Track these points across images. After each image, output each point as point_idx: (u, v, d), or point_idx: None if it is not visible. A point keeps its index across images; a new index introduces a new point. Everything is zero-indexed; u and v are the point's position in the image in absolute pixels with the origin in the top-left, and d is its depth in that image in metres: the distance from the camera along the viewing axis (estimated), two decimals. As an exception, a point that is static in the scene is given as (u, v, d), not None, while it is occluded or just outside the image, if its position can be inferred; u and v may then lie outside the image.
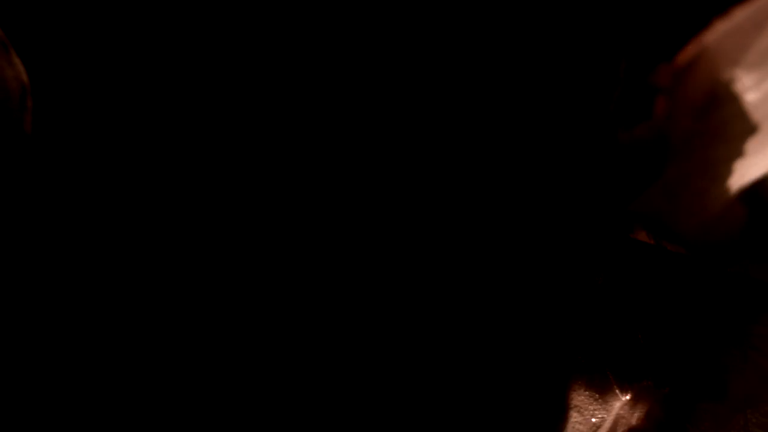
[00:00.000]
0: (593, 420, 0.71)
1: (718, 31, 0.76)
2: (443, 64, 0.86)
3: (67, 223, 0.86)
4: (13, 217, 0.82)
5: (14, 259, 0.82)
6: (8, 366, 0.81)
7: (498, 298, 0.83)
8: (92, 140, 0.86)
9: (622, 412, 0.71)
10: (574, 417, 0.72)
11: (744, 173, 0.77)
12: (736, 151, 0.77)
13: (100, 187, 0.87)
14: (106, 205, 0.87)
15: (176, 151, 0.87)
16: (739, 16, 0.76)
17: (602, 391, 0.72)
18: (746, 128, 0.77)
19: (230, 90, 0.86)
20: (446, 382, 0.80)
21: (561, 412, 0.73)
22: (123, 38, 0.85)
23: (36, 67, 0.81)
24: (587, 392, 0.72)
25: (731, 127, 0.77)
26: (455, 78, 0.86)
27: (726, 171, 0.77)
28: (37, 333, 0.82)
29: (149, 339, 0.84)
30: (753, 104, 0.76)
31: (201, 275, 0.84)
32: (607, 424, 0.71)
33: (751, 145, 0.77)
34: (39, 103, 0.82)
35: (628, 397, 0.71)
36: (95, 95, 0.86)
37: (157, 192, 0.87)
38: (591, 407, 0.72)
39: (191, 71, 0.86)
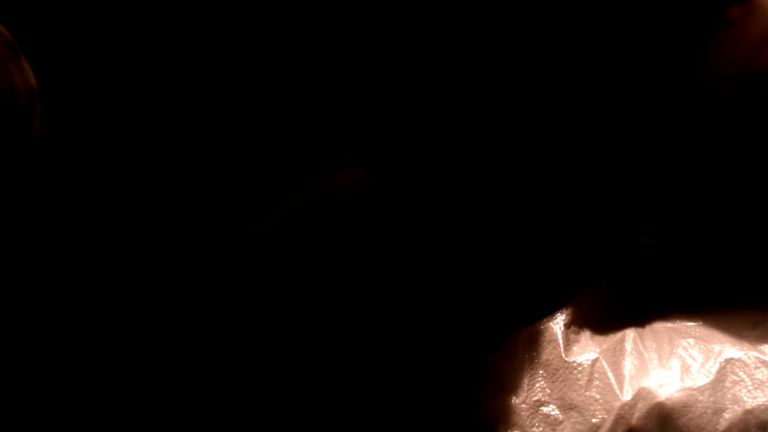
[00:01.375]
0: (593, 420, 0.71)
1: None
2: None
3: (74, 227, 0.87)
4: (20, 220, 0.82)
5: (21, 261, 0.83)
6: (9, 366, 0.81)
7: (496, 296, 0.83)
8: (100, 145, 0.87)
9: (622, 412, 0.70)
10: (574, 417, 0.72)
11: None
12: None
13: (107, 191, 0.88)
14: (114, 210, 0.88)
15: (184, 155, 0.87)
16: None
17: (602, 391, 0.72)
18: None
19: (238, 91, 0.87)
20: (443, 382, 0.80)
21: (561, 413, 0.73)
22: (131, 43, 0.85)
23: (45, 71, 0.82)
24: (587, 392, 0.72)
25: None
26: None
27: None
28: (40, 334, 0.83)
29: (151, 341, 0.84)
30: None
31: (204, 278, 0.85)
32: (607, 425, 0.70)
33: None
34: (48, 108, 0.82)
35: (628, 398, 0.71)
36: (104, 100, 0.87)
37: (163, 195, 0.88)
38: (591, 407, 0.72)
39: (201, 76, 0.87)
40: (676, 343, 0.73)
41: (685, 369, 0.71)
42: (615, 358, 0.73)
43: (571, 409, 0.72)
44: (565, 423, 0.72)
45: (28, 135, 0.81)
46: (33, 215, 0.83)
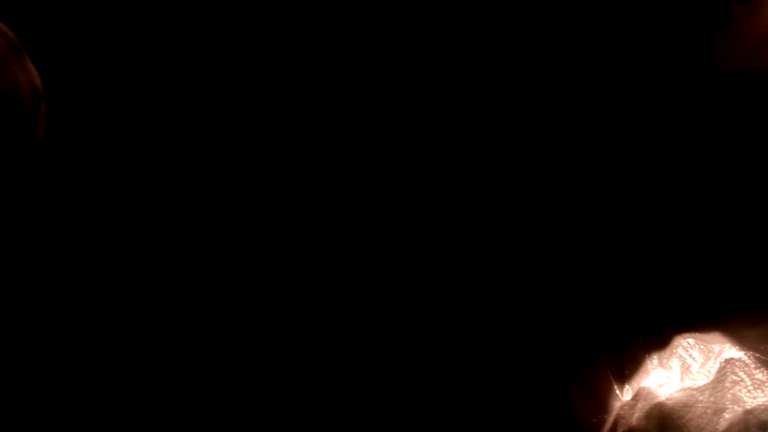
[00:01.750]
0: (593, 420, 0.71)
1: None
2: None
3: (78, 225, 0.87)
4: (25, 219, 0.83)
5: (26, 259, 0.83)
6: (9, 366, 0.81)
7: (497, 298, 0.83)
8: (104, 144, 0.87)
9: (622, 412, 0.70)
10: (575, 417, 0.72)
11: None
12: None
13: (111, 190, 0.88)
14: (117, 208, 0.88)
15: (185, 154, 0.88)
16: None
17: (602, 391, 0.72)
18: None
19: (240, 90, 0.87)
20: (442, 383, 0.80)
21: (561, 413, 0.73)
22: (136, 45, 0.86)
23: (50, 72, 0.82)
24: (587, 392, 0.72)
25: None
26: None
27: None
28: (42, 332, 0.83)
29: (152, 341, 0.84)
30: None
31: (204, 278, 0.85)
32: (607, 425, 0.70)
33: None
34: (52, 108, 0.82)
35: (628, 397, 0.71)
36: (108, 100, 0.87)
37: (166, 194, 0.88)
38: (591, 407, 0.72)
39: (204, 77, 0.87)
40: (676, 343, 0.73)
41: (685, 369, 0.71)
42: (615, 358, 0.73)
43: (571, 409, 0.72)
44: (565, 423, 0.72)
45: (33, 135, 0.81)
46: (37, 214, 0.84)
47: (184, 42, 0.85)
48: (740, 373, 0.70)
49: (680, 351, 0.73)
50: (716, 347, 0.72)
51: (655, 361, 0.72)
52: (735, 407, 0.69)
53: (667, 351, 0.73)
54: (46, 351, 0.83)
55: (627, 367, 0.72)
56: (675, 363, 0.72)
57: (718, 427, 0.69)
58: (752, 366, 0.70)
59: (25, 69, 0.80)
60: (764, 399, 0.69)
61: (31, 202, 0.83)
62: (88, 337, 0.84)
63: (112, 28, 0.85)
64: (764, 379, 0.69)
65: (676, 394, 0.70)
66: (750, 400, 0.69)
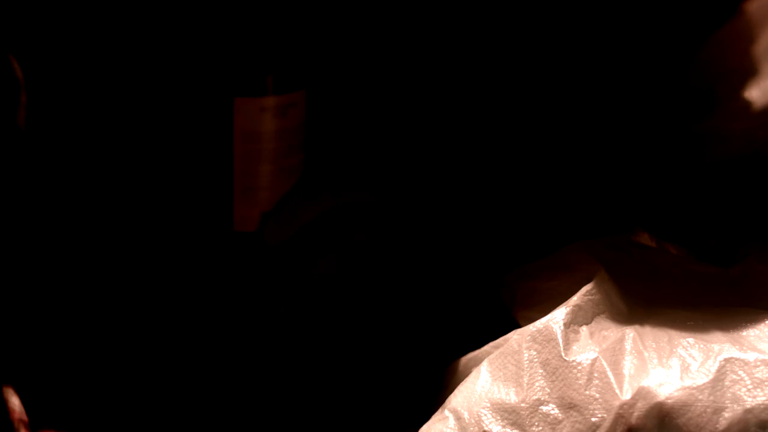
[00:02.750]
0: (593, 419, 0.71)
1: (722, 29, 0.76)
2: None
3: (59, 220, 0.85)
4: (4, 212, 0.81)
5: (5, 255, 0.82)
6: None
7: (496, 296, 0.83)
8: (86, 136, 0.86)
9: (621, 411, 0.70)
10: (574, 416, 0.71)
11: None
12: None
13: (93, 183, 0.86)
14: (99, 202, 0.86)
15: (171, 149, 0.86)
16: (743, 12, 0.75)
17: (602, 390, 0.71)
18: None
19: (230, 84, 0.85)
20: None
21: (561, 412, 0.72)
22: (118, 34, 0.84)
23: (29, 62, 0.80)
24: (587, 391, 0.72)
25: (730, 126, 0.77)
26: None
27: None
28: (27, 333, 0.82)
29: (147, 340, 0.83)
30: (752, 100, 0.76)
31: (198, 275, 0.84)
32: (607, 424, 0.70)
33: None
34: (32, 99, 0.81)
35: (627, 397, 0.70)
36: (89, 91, 0.85)
37: (151, 189, 0.86)
38: (590, 406, 0.71)
39: (192, 71, 0.85)
40: (675, 342, 0.73)
41: (685, 368, 0.71)
42: (614, 357, 0.73)
43: (571, 408, 0.72)
44: (564, 422, 0.72)
45: (13, 126, 0.79)
46: (17, 206, 0.82)
47: (173, 34, 0.83)
48: (740, 372, 0.70)
49: (680, 350, 0.72)
50: (716, 346, 0.72)
51: (655, 361, 0.72)
52: (735, 406, 0.69)
53: (667, 350, 0.73)
54: (36, 352, 0.81)
55: (626, 366, 0.72)
56: (674, 362, 0.72)
57: (717, 426, 0.69)
58: (752, 365, 0.70)
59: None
60: (764, 398, 0.69)
61: (10, 194, 0.81)
62: (79, 336, 0.83)
63: (93, 18, 0.83)
64: (764, 378, 0.70)
65: (675, 394, 0.70)
66: (750, 400, 0.69)
